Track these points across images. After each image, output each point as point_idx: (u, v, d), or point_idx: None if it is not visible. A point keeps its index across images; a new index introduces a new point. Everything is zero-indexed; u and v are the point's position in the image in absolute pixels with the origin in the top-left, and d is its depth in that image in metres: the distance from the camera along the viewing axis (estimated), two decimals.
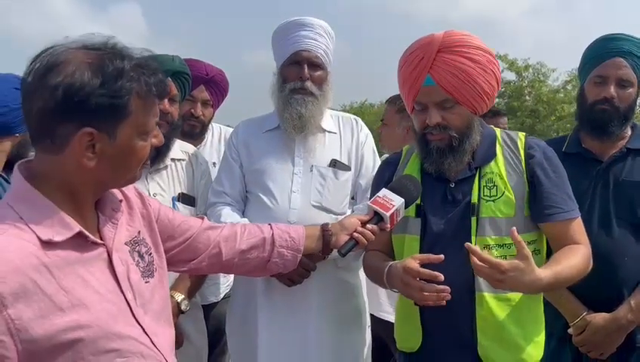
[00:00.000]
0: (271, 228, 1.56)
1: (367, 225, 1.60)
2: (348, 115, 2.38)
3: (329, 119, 2.26)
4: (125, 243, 1.21)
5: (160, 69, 1.13)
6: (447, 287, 1.48)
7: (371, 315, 2.38)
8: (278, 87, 2.18)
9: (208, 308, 2.56)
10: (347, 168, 2.19)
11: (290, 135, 2.16)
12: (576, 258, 1.59)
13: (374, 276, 1.79)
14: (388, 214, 1.57)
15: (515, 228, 1.47)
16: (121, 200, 1.24)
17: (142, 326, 1.16)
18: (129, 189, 1.30)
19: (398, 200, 1.59)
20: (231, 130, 3.00)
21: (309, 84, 2.12)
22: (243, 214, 2.17)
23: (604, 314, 1.95)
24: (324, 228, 1.63)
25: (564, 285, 1.70)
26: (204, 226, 1.47)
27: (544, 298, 1.80)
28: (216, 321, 2.54)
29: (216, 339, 2.59)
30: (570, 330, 2.00)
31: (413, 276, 1.52)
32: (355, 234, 1.59)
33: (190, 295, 2.07)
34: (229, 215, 2.10)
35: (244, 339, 2.16)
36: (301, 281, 2.00)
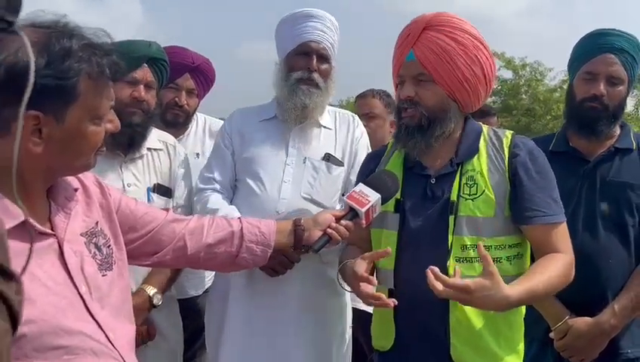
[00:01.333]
0: (240, 221, 1.51)
1: (342, 221, 1.56)
2: (346, 111, 2.36)
3: (326, 115, 2.24)
4: (81, 234, 1.15)
5: (114, 50, 1.06)
6: (382, 296, 1.49)
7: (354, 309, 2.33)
8: (283, 77, 2.14)
9: (189, 302, 2.51)
10: (340, 163, 2.16)
11: (286, 126, 2.14)
12: (553, 270, 1.52)
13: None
14: (363, 210, 1.52)
15: (481, 243, 1.43)
16: (76, 189, 1.18)
17: (97, 322, 1.10)
18: (87, 178, 1.24)
19: (374, 196, 1.54)
20: (216, 120, 2.94)
21: (316, 75, 2.09)
22: (231, 202, 2.13)
23: (586, 318, 1.90)
24: (297, 223, 1.58)
25: (538, 300, 1.66)
26: (169, 218, 1.41)
27: None
28: (198, 315, 2.48)
29: (198, 333, 2.53)
30: (551, 334, 1.95)
31: (358, 281, 1.51)
32: (328, 230, 1.55)
33: (163, 289, 2.01)
34: (217, 201, 2.08)
35: (221, 332, 2.12)
36: (284, 272, 1.96)
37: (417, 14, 1.66)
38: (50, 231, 1.07)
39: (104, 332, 1.10)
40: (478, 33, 1.63)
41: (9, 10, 0.79)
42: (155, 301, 1.95)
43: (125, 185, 2.03)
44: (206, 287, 2.62)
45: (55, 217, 1.10)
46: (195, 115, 2.85)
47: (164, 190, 2.13)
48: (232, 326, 2.07)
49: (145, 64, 2.06)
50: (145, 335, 1.97)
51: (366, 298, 1.51)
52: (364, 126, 2.46)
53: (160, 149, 2.17)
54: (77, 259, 1.10)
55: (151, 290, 1.95)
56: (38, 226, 1.04)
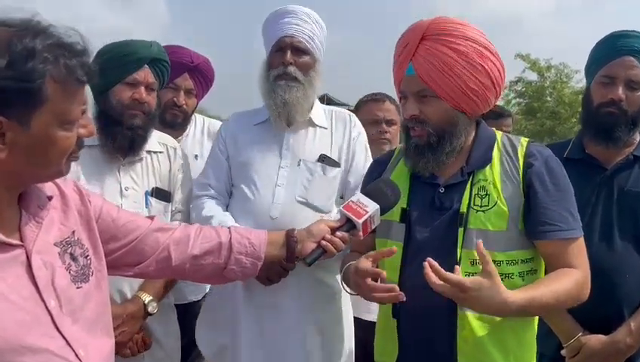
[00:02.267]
0: (229, 232, 1.44)
1: (337, 233, 1.49)
2: (343, 110, 2.27)
3: (321, 113, 2.17)
4: (55, 244, 1.10)
5: (86, 51, 1.00)
6: (395, 286, 1.40)
7: (358, 319, 2.26)
8: (264, 75, 2.12)
9: (188, 307, 2.47)
10: (336, 164, 2.09)
11: (279, 128, 2.09)
12: (563, 283, 1.43)
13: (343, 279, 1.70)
14: (360, 221, 1.45)
15: (480, 241, 1.35)
16: (51, 197, 1.12)
17: (65, 338, 1.04)
18: (67, 185, 1.19)
19: (372, 207, 1.46)
20: (215, 121, 2.89)
21: (292, 68, 2.04)
22: (227, 208, 2.09)
23: (600, 336, 1.80)
24: (289, 234, 1.51)
25: (542, 312, 1.57)
26: (153, 227, 1.35)
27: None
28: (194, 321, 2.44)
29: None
30: (563, 352, 1.85)
31: (363, 276, 1.43)
32: (323, 242, 1.48)
33: (159, 296, 1.97)
34: (212, 208, 2.03)
35: (216, 340, 2.08)
36: (278, 281, 1.90)
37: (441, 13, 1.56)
38: (16, 242, 1.02)
39: (72, 349, 1.04)
40: (483, 37, 1.52)
41: None
42: (150, 309, 1.91)
43: (123, 189, 1.99)
44: (205, 292, 2.57)
45: (25, 227, 1.05)
46: (193, 116, 2.81)
47: (163, 194, 2.08)
48: (242, 336, 2.01)
49: (146, 65, 2.02)
50: (140, 345, 1.92)
51: (374, 291, 1.43)
52: (385, 132, 2.37)
53: (160, 152, 2.13)
54: (47, 272, 1.04)
55: (146, 298, 1.91)
56: (2, 237, 0.98)
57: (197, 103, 2.77)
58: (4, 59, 0.90)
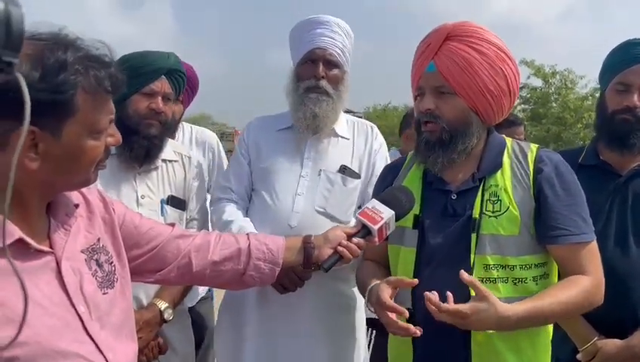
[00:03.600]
0: (248, 238, 1.45)
1: (353, 239, 1.50)
2: (365, 121, 2.29)
3: (344, 124, 2.18)
4: (82, 251, 1.12)
5: (113, 63, 1.02)
6: (410, 327, 1.42)
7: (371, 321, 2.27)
8: (293, 87, 2.12)
9: None
10: (357, 176, 2.10)
11: (302, 136, 2.10)
12: (569, 293, 1.44)
13: (361, 290, 1.70)
14: (376, 228, 1.46)
15: (463, 270, 1.38)
16: (77, 205, 1.14)
17: (95, 343, 1.06)
18: (91, 193, 1.21)
19: (387, 213, 1.47)
20: (202, 130, 2.87)
21: (323, 82, 2.05)
22: (246, 213, 2.10)
23: (616, 340, 1.80)
24: (306, 240, 1.52)
25: (549, 322, 1.56)
26: (174, 234, 1.37)
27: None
28: (194, 325, 2.44)
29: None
30: (578, 356, 1.85)
31: (384, 309, 1.45)
32: (339, 248, 1.49)
33: (175, 303, 1.98)
34: (232, 212, 2.06)
35: (232, 347, 2.08)
36: (294, 289, 1.91)
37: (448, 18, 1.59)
38: (47, 249, 1.04)
39: (102, 353, 1.06)
40: (503, 44, 1.56)
41: (8, 48, 0.76)
42: (166, 315, 1.92)
43: (139, 197, 2.01)
44: (200, 297, 2.57)
45: (54, 234, 1.07)
46: (181, 125, 2.80)
47: (177, 202, 2.10)
48: (252, 344, 2.03)
49: (163, 76, 2.04)
50: (156, 352, 1.94)
51: (393, 328, 1.46)
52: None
53: (175, 161, 2.15)
54: (76, 278, 1.06)
55: (162, 305, 1.92)
56: (34, 244, 1.00)
57: (184, 110, 2.75)
58: (37, 71, 0.92)
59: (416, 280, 1.47)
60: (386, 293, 1.46)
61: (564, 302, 1.43)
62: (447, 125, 1.54)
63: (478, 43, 1.51)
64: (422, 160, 1.61)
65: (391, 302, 1.44)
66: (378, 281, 1.55)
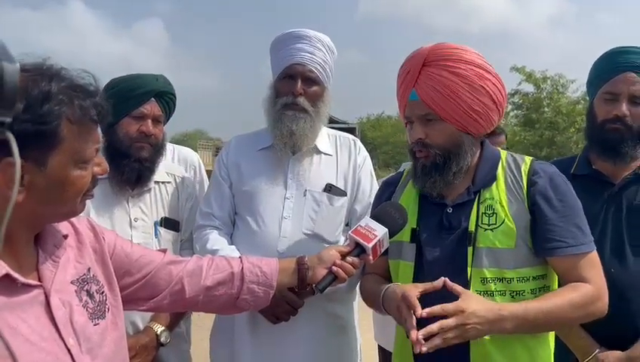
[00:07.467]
0: (241, 261, 1.44)
1: (348, 258, 1.48)
2: (346, 135, 2.22)
3: (325, 139, 2.12)
4: (71, 282, 1.10)
5: (98, 92, 1.01)
6: (421, 340, 1.35)
7: (381, 349, 2.24)
8: (271, 102, 2.05)
9: None
10: (343, 193, 2.05)
11: (283, 155, 2.03)
12: (567, 295, 1.43)
13: (370, 299, 1.68)
14: (370, 246, 1.45)
15: (446, 278, 1.39)
16: (66, 235, 1.13)
17: None
18: (80, 222, 1.20)
19: (381, 231, 1.46)
20: (184, 149, 2.78)
21: (301, 99, 1.98)
22: (231, 238, 2.04)
23: (617, 352, 1.78)
24: (300, 261, 1.50)
25: (547, 324, 1.51)
26: (166, 260, 1.35)
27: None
28: None
29: None
30: None
31: (408, 307, 1.39)
32: (334, 267, 1.47)
33: (172, 326, 1.97)
34: (216, 240, 1.98)
35: None
36: (287, 319, 1.88)
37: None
38: (35, 283, 1.02)
39: None
40: (482, 60, 1.56)
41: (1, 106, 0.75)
42: (162, 339, 1.91)
43: (132, 220, 2.00)
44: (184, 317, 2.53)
45: (42, 266, 1.05)
46: None
47: (172, 223, 2.09)
48: None
49: (153, 98, 2.04)
50: None
51: (407, 326, 1.40)
52: None
53: (168, 182, 2.14)
54: (65, 311, 1.04)
55: (159, 328, 1.91)
56: (21, 279, 0.98)
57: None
58: (21, 103, 0.91)
59: (440, 283, 1.42)
60: (414, 292, 1.42)
61: (557, 304, 1.42)
62: (438, 150, 1.54)
63: (455, 66, 1.51)
64: (420, 186, 1.61)
65: (417, 303, 1.39)
66: (390, 284, 1.56)
